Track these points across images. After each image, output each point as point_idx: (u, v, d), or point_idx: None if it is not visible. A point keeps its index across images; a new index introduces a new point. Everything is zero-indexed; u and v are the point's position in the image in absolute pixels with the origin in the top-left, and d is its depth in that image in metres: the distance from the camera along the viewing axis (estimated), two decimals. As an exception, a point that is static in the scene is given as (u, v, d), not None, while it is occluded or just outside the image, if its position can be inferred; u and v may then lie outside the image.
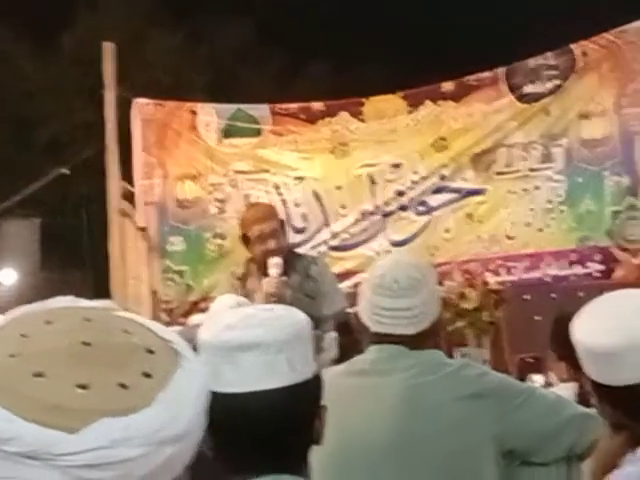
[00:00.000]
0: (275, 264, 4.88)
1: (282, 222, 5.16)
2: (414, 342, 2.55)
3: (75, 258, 21.30)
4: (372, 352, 2.58)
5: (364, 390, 2.55)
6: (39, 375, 0.99)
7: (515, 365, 5.57)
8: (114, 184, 8.07)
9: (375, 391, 2.53)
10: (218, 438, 1.70)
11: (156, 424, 1.01)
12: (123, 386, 1.00)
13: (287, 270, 4.97)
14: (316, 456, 1.82)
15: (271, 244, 4.94)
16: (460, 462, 2.47)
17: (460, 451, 2.46)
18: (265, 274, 4.95)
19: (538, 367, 5.47)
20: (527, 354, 5.80)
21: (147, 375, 1.03)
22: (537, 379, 4.98)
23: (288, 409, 1.68)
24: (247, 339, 1.66)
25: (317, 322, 4.91)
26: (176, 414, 1.03)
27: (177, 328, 5.96)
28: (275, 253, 4.92)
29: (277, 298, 4.73)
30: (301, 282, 5.04)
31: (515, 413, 2.51)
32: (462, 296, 6.89)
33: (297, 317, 1.75)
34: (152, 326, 1.11)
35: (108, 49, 8.20)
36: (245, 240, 5.10)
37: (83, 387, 0.99)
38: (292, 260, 5.08)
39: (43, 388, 0.98)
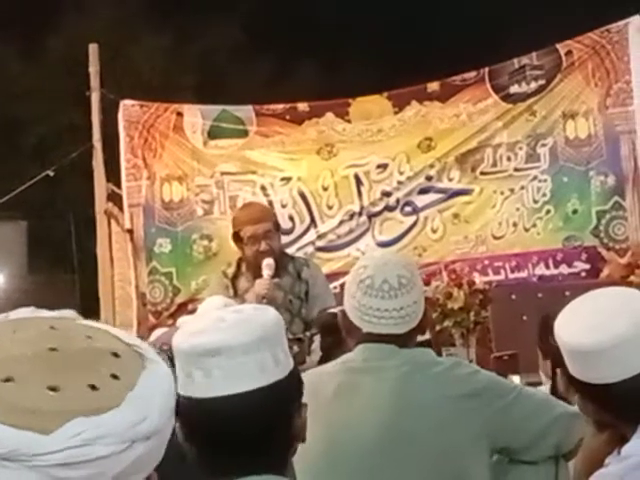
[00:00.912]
0: (268, 265, 4.89)
1: (277, 224, 5.17)
2: (403, 340, 2.57)
3: (62, 260, 21.26)
4: (362, 351, 2.59)
5: (355, 387, 2.56)
6: (8, 380, 1.01)
7: (491, 363, 5.57)
8: (100, 186, 8.06)
9: (366, 389, 2.55)
10: (198, 443, 1.71)
11: (127, 423, 1.03)
12: (93, 387, 1.03)
13: (279, 272, 4.98)
14: (306, 453, 1.83)
15: (263, 245, 4.95)
16: (450, 461, 2.49)
17: (451, 450, 2.48)
18: (256, 274, 4.96)
19: (514, 365, 5.48)
20: (503, 352, 5.80)
21: (115, 377, 1.05)
22: (515, 379, 4.98)
23: (262, 410, 1.68)
24: (212, 344, 1.66)
25: (307, 324, 4.94)
26: (145, 413, 1.05)
27: (164, 330, 5.96)
28: (267, 254, 4.93)
29: (268, 300, 4.73)
30: (292, 284, 5.05)
31: (505, 412, 2.53)
32: (449, 296, 6.91)
33: (267, 317, 1.75)
34: (115, 332, 1.13)
35: (94, 51, 8.20)
36: (236, 239, 5.10)
37: (53, 389, 1.01)
38: (284, 262, 5.09)
39: (14, 392, 1.01)
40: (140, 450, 1.05)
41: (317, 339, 4.90)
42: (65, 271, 21.16)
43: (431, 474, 2.48)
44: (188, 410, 1.68)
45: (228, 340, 1.66)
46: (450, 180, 7.74)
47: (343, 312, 2.65)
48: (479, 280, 7.19)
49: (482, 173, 7.69)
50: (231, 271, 5.18)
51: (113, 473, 1.03)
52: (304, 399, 1.78)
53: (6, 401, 1.00)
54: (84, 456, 1.00)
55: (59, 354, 1.05)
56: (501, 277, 7.50)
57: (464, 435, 2.49)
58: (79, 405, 1.02)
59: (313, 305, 4.99)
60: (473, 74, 7.78)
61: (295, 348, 4.34)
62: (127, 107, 8.04)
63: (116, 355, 1.08)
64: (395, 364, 2.55)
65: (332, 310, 4.39)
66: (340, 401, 2.54)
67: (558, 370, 2.80)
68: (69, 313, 1.19)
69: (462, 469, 2.50)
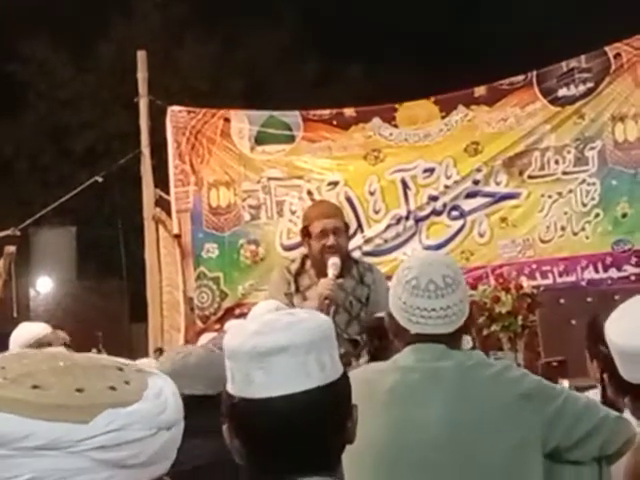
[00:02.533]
0: (333, 264, 4.89)
1: (346, 224, 5.17)
2: (451, 340, 2.59)
3: (111, 266, 21.41)
4: (413, 351, 2.60)
5: (410, 388, 2.57)
6: (36, 387, 1.12)
7: (540, 369, 5.55)
8: (148, 192, 8.13)
9: (421, 390, 2.56)
10: (251, 443, 1.72)
11: (150, 413, 1.17)
12: (112, 388, 1.16)
13: (343, 272, 4.99)
14: (360, 451, 1.84)
15: (330, 240, 4.94)
16: (508, 462, 2.49)
17: (508, 451, 2.49)
18: (320, 272, 4.96)
19: (563, 371, 5.45)
20: (552, 358, 5.77)
21: (127, 382, 1.18)
22: (564, 383, 4.96)
23: (321, 410, 1.70)
24: (276, 343, 1.69)
25: (363, 328, 4.94)
26: (163, 406, 1.19)
27: (212, 334, 6.00)
28: (333, 250, 4.94)
29: (330, 300, 4.75)
30: (355, 287, 5.07)
31: (557, 413, 2.54)
32: (496, 300, 6.87)
33: (320, 320, 1.78)
34: (110, 357, 1.27)
35: (142, 57, 8.27)
36: (304, 233, 5.13)
37: (79, 390, 1.14)
38: (349, 264, 5.10)
39: (44, 395, 1.12)
40: (164, 437, 1.18)
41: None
42: (114, 276, 21.31)
43: (490, 475, 2.49)
44: (244, 410, 1.71)
45: (290, 339, 1.68)
46: (497, 184, 7.71)
47: (389, 314, 2.66)
48: (527, 284, 7.14)
49: (530, 177, 7.65)
50: (295, 267, 5.19)
51: (147, 455, 1.16)
52: (358, 395, 1.80)
53: (37, 402, 1.11)
54: (122, 438, 1.13)
55: (71, 367, 1.18)
56: (549, 281, 7.46)
57: (519, 436, 2.50)
58: (106, 400, 1.14)
59: (373, 310, 4.99)
60: (521, 78, 7.74)
61: (342, 350, 4.35)
62: (175, 113, 8.10)
63: (120, 369, 1.21)
64: (449, 365, 2.56)
65: (379, 314, 4.39)
66: (395, 401, 2.56)
67: (606, 375, 2.79)
68: (61, 349, 1.35)
69: (519, 470, 2.51)
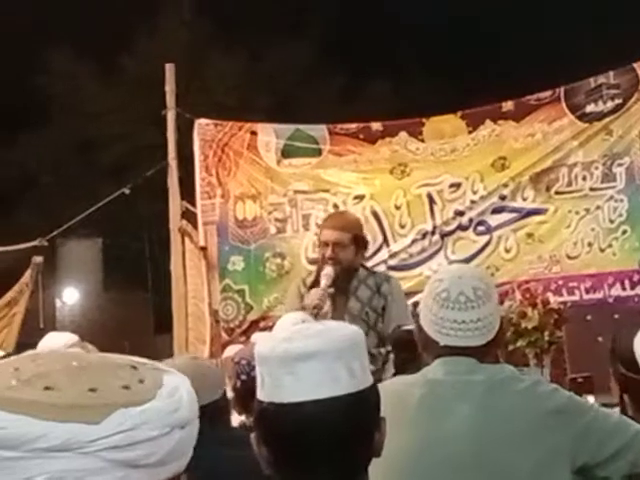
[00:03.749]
0: (325, 275, 4.95)
1: (357, 238, 5.17)
2: (481, 353, 2.58)
3: (137, 277, 21.51)
4: (442, 364, 2.60)
5: (439, 401, 2.56)
6: (48, 388, 1.12)
7: (566, 385, 5.52)
8: (175, 204, 8.15)
9: (451, 403, 2.55)
10: (278, 449, 1.72)
11: (164, 411, 1.16)
12: (126, 387, 1.15)
13: (358, 285, 5.03)
14: (387, 463, 1.84)
15: (329, 252, 4.99)
16: (536, 478, 2.48)
17: (537, 467, 2.47)
18: (316, 283, 5.02)
19: (589, 387, 5.42)
20: (578, 374, 5.75)
21: (141, 381, 1.18)
22: (590, 399, 4.94)
23: (350, 418, 1.70)
24: (306, 349, 1.70)
25: (382, 339, 4.94)
26: (177, 405, 1.18)
27: (237, 346, 6.00)
28: (330, 262, 4.98)
29: (318, 310, 4.77)
30: (371, 297, 5.08)
31: (587, 429, 2.52)
32: (523, 315, 6.84)
33: (350, 328, 1.79)
34: (126, 356, 1.26)
35: (170, 70, 8.31)
36: (318, 242, 5.24)
37: (92, 390, 1.13)
38: (364, 276, 5.12)
39: (56, 396, 1.11)
40: (178, 436, 1.17)
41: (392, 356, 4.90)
42: (139, 288, 21.42)
43: None
44: (273, 415, 1.71)
45: (320, 345, 1.69)
46: (524, 199, 7.68)
47: (419, 327, 2.66)
48: (553, 300, 7.10)
49: (557, 192, 7.62)
50: (310, 279, 5.24)
51: (161, 454, 1.15)
52: (386, 407, 1.80)
53: (49, 403, 1.10)
54: (135, 437, 1.12)
55: (85, 367, 1.17)
56: (576, 298, 7.41)
57: (549, 451, 2.48)
58: (119, 400, 1.13)
59: (389, 320, 5.00)
60: (548, 93, 7.72)
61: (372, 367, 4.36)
62: (202, 126, 8.13)
63: (134, 368, 1.20)
64: (479, 379, 2.55)
65: (406, 327, 4.38)
66: (424, 414, 2.55)
67: (625, 395, 2.79)
68: (77, 350, 1.33)
69: None
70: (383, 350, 4.80)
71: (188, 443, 1.21)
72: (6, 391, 1.12)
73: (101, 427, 1.11)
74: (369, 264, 7.52)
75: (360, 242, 5.22)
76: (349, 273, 5.09)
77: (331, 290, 4.94)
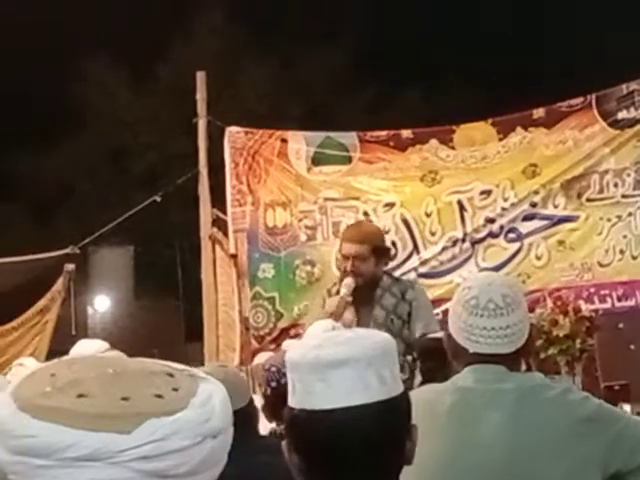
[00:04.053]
0: (346, 284, 5.01)
1: (376, 248, 5.17)
2: (511, 361, 2.57)
3: (167, 285, 21.59)
4: (472, 372, 2.59)
5: (469, 409, 2.56)
6: (81, 396, 1.12)
7: (602, 393, 5.48)
8: (206, 211, 8.18)
9: (481, 412, 2.54)
10: (309, 456, 1.72)
11: (195, 421, 1.15)
12: (159, 396, 1.14)
13: (382, 293, 5.05)
14: (419, 470, 1.83)
15: (349, 266, 5.03)
16: None
17: (567, 474, 2.46)
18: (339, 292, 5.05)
19: (625, 395, 5.38)
20: (614, 382, 5.71)
21: (175, 389, 1.17)
22: (626, 407, 4.91)
23: (381, 425, 1.70)
24: (337, 355, 1.70)
25: (409, 345, 4.94)
26: (209, 414, 1.17)
27: (268, 354, 6.01)
28: (353, 275, 5.01)
29: (335, 317, 4.79)
30: (396, 304, 5.08)
31: (619, 437, 2.51)
32: (554, 323, 6.80)
33: (381, 336, 1.80)
34: (164, 362, 1.26)
35: (201, 78, 8.35)
36: (340, 255, 5.27)
37: (125, 399, 1.12)
38: (389, 284, 5.13)
39: (89, 404, 1.11)
40: (210, 446, 1.16)
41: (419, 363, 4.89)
42: (170, 295, 21.49)
43: None
44: (304, 422, 1.71)
45: (351, 352, 1.70)
46: (555, 207, 7.64)
47: (448, 335, 2.65)
48: (585, 308, 7.06)
49: (588, 200, 7.58)
50: (334, 290, 5.25)
51: (191, 464, 1.14)
52: (417, 415, 1.80)
53: (82, 412, 1.10)
54: (164, 448, 1.11)
55: (120, 374, 1.16)
56: (607, 305, 7.36)
57: (580, 459, 2.47)
58: (151, 409, 1.12)
59: (415, 327, 5.00)
60: (580, 100, 7.69)
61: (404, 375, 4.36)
62: (232, 134, 8.16)
63: (171, 375, 1.19)
64: (509, 387, 2.54)
65: (433, 335, 4.37)
66: (454, 422, 2.54)
67: None
68: (116, 352, 1.33)
69: None
70: (410, 358, 4.80)
71: (221, 452, 1.19)
72: (39, 398, 1.12)
73: (131, 437, 1.10)
74: (399, 271, 7.54)
75: (380, 252, 5.21)
76: (372, 283, 5.10)
77: (349, 299, 4.96)
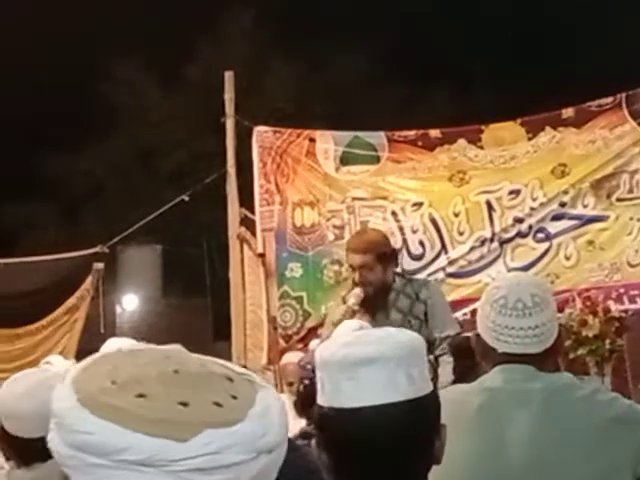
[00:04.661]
0: (354, 294, 5.01)
1: (381, 255, 5.13)
2: (539, 361, 2.56)
3: (195, 284, 21.64)
4: (500, 372, 2.58)
5: (498, 409, 2.54)
6: (141, 396, 1.09)
7: (631, 394, 5.45)
8: (234, 211, 8.20)
9: (510, 412, 2.52)
10: (339, 456, 1.72)
11: (252, 435, 1.10)
12: (217, 404, 1.11)
13: (396, 296, 5.03)
14: (447, 470, 1.83)
15: (357, 276, 5.05)
16: None
17: (596, 475, 2.44)
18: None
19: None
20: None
21: (234, 397, 1.13)
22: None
23: (409, 424, 1.70)
24: (366, 354, 1.70)
25: (428, 345, 4.93)
26: (266, 428, 1.12)
27: (295, 353, 6.02)
28: (361, 284, 5.01)
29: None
30: (411, 305, 5.07)
31: None
32: (583, 323, 6.77)
33: (410, 335, 1.80)
34: (221, 362, 1.22)
35: (229, 78, 8.36)
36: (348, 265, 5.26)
37: (184, 404, 1.09)
38: (402, 285, 5.12)
39: (148, 406, 1.08)
40: (264, 461, 1.11)
41: (441, 361, 4.89)
42: (198, 295, 21.53)
43: None
44: (333, 420, 1.72)
45: (380, 351, 1.70)
46: (585, 206, 7.60)
47: (477, 335, 2.65)
48: (614, 308, 7.02)
49: (618, 199, 7.53)
50: (348, 297, 5.24)
51: (244, 479, 1.09)
52: (445, 416, 1.79)
53: (140, 413, 1.07)
54: (218, 462, 1.07)
55: (181, 375, 1.13)
56: (637, 306, 7.31)
57: (609, 460, 2.45)
58: (208, 418, 1.09)
59: (433, 325, 5.00)
60: (609, 100, 7.64)
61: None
62: (261, 133, 8.17)
63: (230, 380, 1.15)
64: (538, 387, 2.53)
65: (467, 334, 4.37)
66: (483, 422, 2.53)
67: None
68: (177, 346, 1.24)
69: None
70: (432, 357, 4.79)
71: (273, 468, 1.15)
72: (99, 394, 1.10)
73: (187, 446, 1.06)
74: (427, 271, 7.52)
75: (386, 258, 5.17)
76: (384, 289, 5.09)
77: (356, 308, 4.96)
